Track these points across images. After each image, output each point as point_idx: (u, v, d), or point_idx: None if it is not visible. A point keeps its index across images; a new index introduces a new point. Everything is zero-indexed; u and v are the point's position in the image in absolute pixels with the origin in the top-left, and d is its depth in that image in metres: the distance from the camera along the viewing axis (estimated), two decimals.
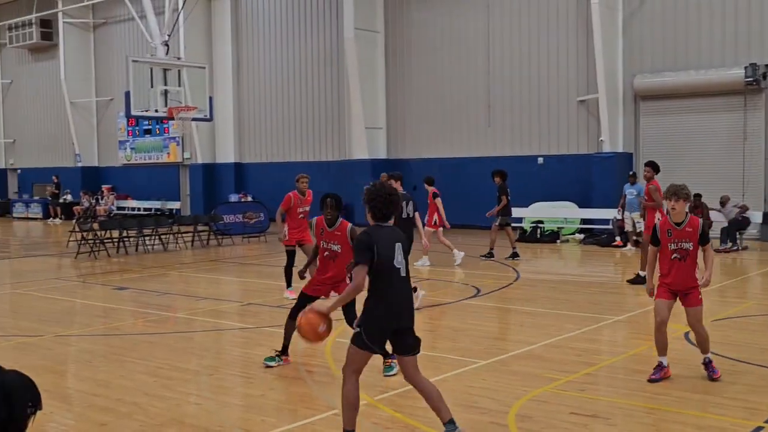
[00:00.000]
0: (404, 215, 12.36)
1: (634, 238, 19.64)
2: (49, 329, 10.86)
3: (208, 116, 22.78)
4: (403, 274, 5.52)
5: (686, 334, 9.54)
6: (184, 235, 22.82)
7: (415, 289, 11.60)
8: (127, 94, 20.84)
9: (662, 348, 7.56)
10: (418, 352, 5.64)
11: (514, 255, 18.15)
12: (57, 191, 37.46)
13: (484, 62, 26.11)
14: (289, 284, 12.91)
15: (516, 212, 24.66)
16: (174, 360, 8.95)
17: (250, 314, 11.82)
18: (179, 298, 13.56)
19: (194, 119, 22.26)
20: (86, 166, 38.73)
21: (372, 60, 27.93)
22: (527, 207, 24.31)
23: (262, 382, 7.88)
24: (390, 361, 7.85)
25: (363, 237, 5.45)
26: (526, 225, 23.46)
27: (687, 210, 7.52)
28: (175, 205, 34.56)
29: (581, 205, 23.91)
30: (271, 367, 8.34)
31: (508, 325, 10.60)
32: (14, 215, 39.48)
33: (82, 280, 16.39)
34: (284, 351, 8.48)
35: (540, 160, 25.25)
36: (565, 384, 7.54)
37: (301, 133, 30.91)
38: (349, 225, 7.99)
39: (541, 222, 23.50)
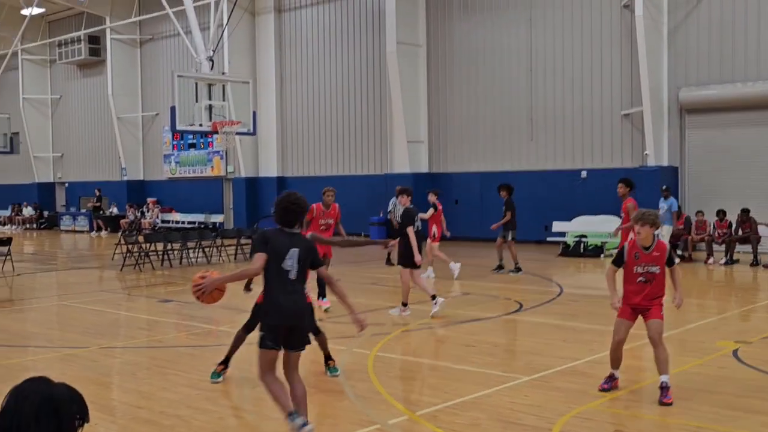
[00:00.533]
0: (415, 228, 12.50)
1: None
2: (94, 341, 11.01)
3: (252, 130, 22.95)
4: (292, 277, 5.99)
5: (735, 352, 9.34)
6: (227, 248, 23.00)
7: (434, 297, 11.64)
8: (173, 109, 21.09)
9: (616, 362, 7.73)
10: (302, 349, 6.18)
11: (500, 268, 18.21)
12: (98, 204, 38.06)
13: (526, 75, 25.99)
14: (321, 295, 12.98)
15: (559, 226, 24.47)
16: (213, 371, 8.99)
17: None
18: (222, 311, 13.66)
19: (238, 133, 22.44)
20: (132, 180, 39.32)
21: (414, 73, 27.98)
22: (570, 221, 24.08)
23: None
24: (332, 363, 8.60)
25: (261, 233, 6.21)
26: (570, 239, 23.23)
27: (654, 234, 7.49)
28: (218, 218, 34.88)
29: None
30: (217, 382, 8.50)
31: (551, 340, 10.48)
32: (62, 228, 40.18)
33: (126, 293, 16.60)
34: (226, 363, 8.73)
35: (583, 174, 25.02)
36: (609, 401, 7.42)
37: (343, 146, 31.03)
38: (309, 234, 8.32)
39: (585, 236, 23.27)
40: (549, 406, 7.25)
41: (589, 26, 24.74)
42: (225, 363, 8.75)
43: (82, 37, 39.88)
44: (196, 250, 22.76)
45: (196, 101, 21.47)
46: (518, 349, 9.96)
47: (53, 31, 42.70)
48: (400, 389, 8.29)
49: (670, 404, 7.17)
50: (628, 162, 24.11)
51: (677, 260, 7.86)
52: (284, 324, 6.00)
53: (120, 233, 28.08)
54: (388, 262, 20.11)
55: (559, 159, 25.59)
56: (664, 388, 7.31)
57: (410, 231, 12.27)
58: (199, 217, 35.49)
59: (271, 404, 7.63)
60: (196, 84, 21.63)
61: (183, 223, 35.45)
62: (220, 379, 8.63)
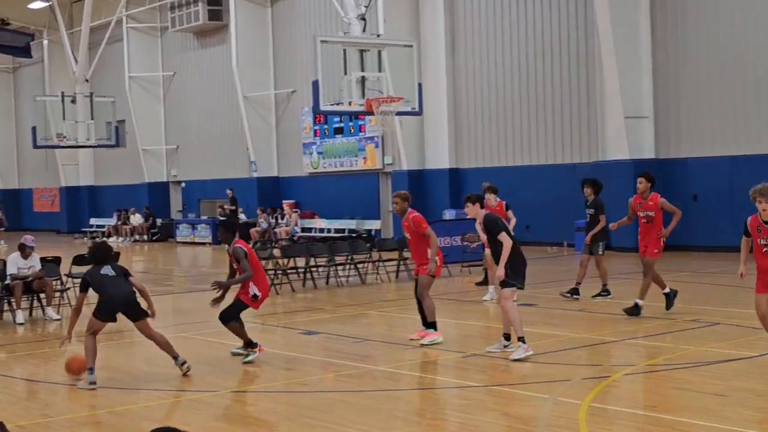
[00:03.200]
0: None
1: None
2: (222, 383, 11.37)
3: (417, 108, 23.11)
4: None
5: None
6: (386, 263, 23.27)
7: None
8: (315, 84, 21.52)
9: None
10: (143, 319, 11.61)
11: (575, 292, 17.53)
12: (234, 208, 38.96)
13: None
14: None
15: None
16: (377, 426, 9.09)
17: (473, 368, 11.82)
18: (381, 346, 13.80)
19: (399, 113, 22.64)
20: (263, 177, 40.56)
21: (633, 27, 27.35)
22: None
23: None
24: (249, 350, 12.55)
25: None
26: None
27: None
28: (374, 224, 35.38)
29: None
30: (251, 362, 12.36)
31: None
32: (178, 239, 41.85)
33: (260, 322, 17.07)
34: (250, 344, 12.69)
35: None
36: None
37: (535, 128, 30.76)
38: (236, 245, 12.93)
39: None
40: None
41: None
42: (250, 345, 12.64)
43: None
44: (347, 266, 23.15)
45: (345, 73, 21.81)
46: None
47: None
48: None
49: None
50: None
51: None
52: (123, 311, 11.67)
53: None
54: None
55: None
56: None
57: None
58: (349, 224, 36.11)
59: None
60: (345, 51, 21.98)
61: (329, 231, 36.18)
62: (252, 357, 12.50)
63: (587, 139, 29.38)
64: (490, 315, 16.70)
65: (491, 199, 17.80)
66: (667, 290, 15.74)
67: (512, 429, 8.89)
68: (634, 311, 15.23)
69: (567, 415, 9.15)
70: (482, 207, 13.06)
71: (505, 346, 12.53)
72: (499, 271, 12.18)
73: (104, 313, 11.57)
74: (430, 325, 13.68)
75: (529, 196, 29.51)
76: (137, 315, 11.66)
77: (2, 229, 44.60)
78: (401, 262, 23.15)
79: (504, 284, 12.27)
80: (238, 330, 12.76)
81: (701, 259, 24.33)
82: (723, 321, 14.68)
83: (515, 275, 12.24)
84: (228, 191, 39.77)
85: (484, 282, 19.21)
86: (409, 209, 13.89)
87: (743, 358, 11.84)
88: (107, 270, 11.60)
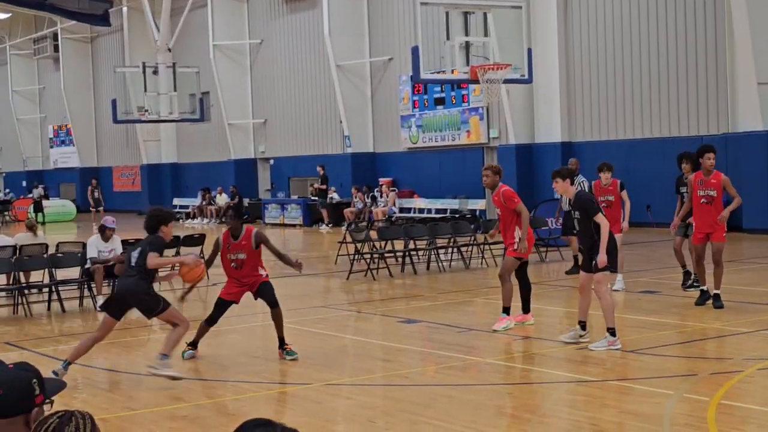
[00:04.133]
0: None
1: None
2: (316, 375, 11.50)
3: (526, 76, 23.01)
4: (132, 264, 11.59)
5: None
6: (492, 246, 23.22)
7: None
8: (415, 50, 21.57)
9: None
10: (152, 316, 11.71)
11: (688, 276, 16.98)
12: (324, 187, 39.26)
13: None
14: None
15: None
16: (483, 423, 9.12)
17: (588, 361, 11.75)
18: (486, 337, 13.80)
19: (506, 81, 22.57)
20: (357, 153, 40.72)
21: None
22: None
23: None
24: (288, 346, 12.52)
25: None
26: None
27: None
28: (478, 204, 35.30)
29: None
30: (184, 358, 12.56)
31: None
32: (266, 220, 42.27)
33: (356, 310, 17.21)
34: (194, 345, 12.90)
35: None
36: None
37: (657, 95, 30.33)
38: (254, 230, 12.98)
39: None
40: None
41: None
42: (193, 345, 12.85)
43: None
44: (449, 249, 23.15)
45: (447, 38, 21.82)
46: None
47: None
48: None
49: None
50: None
51: None
52: (129, 304, 11.91)
53: (345, 227, 29.19)
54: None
55: None
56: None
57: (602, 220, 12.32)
58: (451, 204, 36.12)
59: None
60: (447, 13, 22.00)
61: (429, 211, 36.23)
62: (185, 357, 12.60)
63: (715, 108, 28.86)
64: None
65: (604, 177, 17.57)
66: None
67: (633, 428, 8.81)
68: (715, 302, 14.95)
69: (695, 414, 9.06)
70: (572, 184, 13.01)
71: (581, 336, 12.49)
72: (601, 257, 12.14)
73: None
74: (504, 310, 14.05)
75: (650, 172, 29.11)
76: None
77: (101, 208, 45.27)
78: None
79: (603, 269, 12.25)
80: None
81: None
82: None
83: (611, 258, 12.26)
84: (318, 168, 39.92)
85: (575, 269, 18.85)
86: (500, 183, 14.15)
87: None
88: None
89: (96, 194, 46.52)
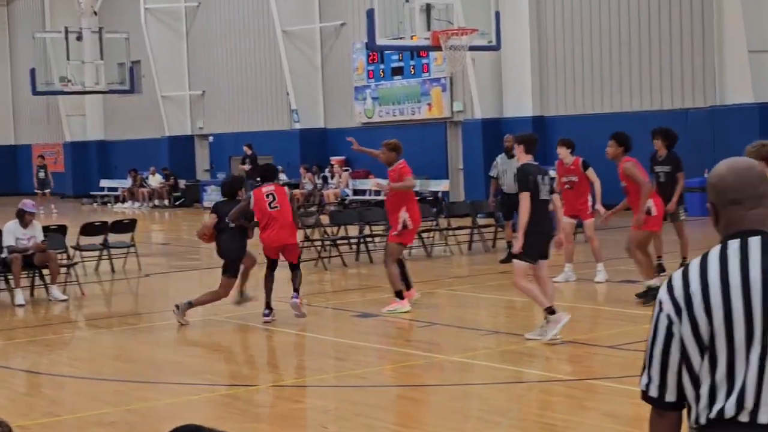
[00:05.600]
0: (543, 196, 12.41)
1: None
2: (262, 376, 11.48)
3: (494, 43, 22.99)
4: None
5: None
6: (457, 232, 23.23)
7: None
8: (370, 14, 21.48)
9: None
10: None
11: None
12: (249, 168, 38.38)
13: None
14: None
15: None
16: (448, 427, 9.12)
17: (564, 358, 11.76)
18: (450, 331, 13.78)
19: (471, 48, 22.53)
20: (307, 129, 40.60)
21: None
22: None
23: None
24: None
25: None
26: None
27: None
28: (441, 185, 35.32)
29: None
30: (267, 322, 14.06)
31: None
32: (205, 204, 41.99)
33: (306, 303, 17.14)
34: (268, 306, 14.24)
35: None
36: None
37: (637, 66, 30.42)
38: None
39: None
40: None
41: None
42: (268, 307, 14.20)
43: None
44: None
45: (406, 0, 21.74)
46: None
47: None
48: None
49: None
50: None
51: None
52: None
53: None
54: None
55: None
56: None
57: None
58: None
59: None
60: None
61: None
62: (268, 318, 14.09)
63: (701, 79, 29.00)
64: (572, 296, 16.61)
65: (562, 153, 17.42)
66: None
67: (612, 431, 8.82)
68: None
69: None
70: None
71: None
72: (517, 243, 12.22)
73: None
74: (397, 294, 14.77)
75: (631, 150, 29.18)
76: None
77: (48, 191, 44.76)
78: (475, 230, 23.09)
79: (518, 257, 12.27)
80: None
81: None
82: None
83: (534, 245, 12.14)
84: (245, 147, 39.21)
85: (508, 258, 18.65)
86: (401, 159, 15.08)
87: None
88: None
89: (42, 174, 45.74)
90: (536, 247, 12.12)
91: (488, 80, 33.62)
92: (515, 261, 12.26)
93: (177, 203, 44.13)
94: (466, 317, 15.01)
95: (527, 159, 12.68)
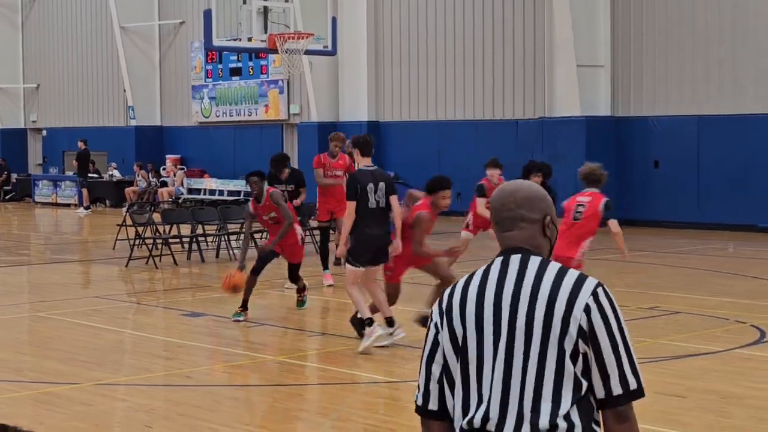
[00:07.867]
0: (372, 204, 12.08)
1: None
2: (87, 374, 11.26)
3: (330, 48, 23.06)
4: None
5: None
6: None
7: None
8: (207, 14, 21.36)
9: None
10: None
11: None
12: (87, 164, 37.38)
13: None
14: (325, 266, 17.56)
15: None
16: (272, 428, 9.14)
17: (393, 360, 11.84)
18: (280, 333, 13.80)
19: (308, 52, 22.57)
20: (143, 126, 40.12)
21: None
22: None
23: None
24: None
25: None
26: None
27: None
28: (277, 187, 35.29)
29: None
30: (239, 321, 13.77)
31: None
32: (37, 199, 41.19)
33: (135, 301, 16.95)
34: (244, 305, 13.95)
35: None
36: None
37: (471, 75, 30.82)
38: (271, 190, 14.67)
39: None
40: None
41: None
42: (244, 306, 13.91)
43: None
44: (242, 235, 23.00)
45: (244, 2, 21.68)
46: (759, 405, 9.73)
47: None
48: None
49: None
50: None
51: None
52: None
53: (125, 209, 28.70)
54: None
55: None
56: None
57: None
58: (246, 186, 35.85)
59: None
60: None
61: (221, 193, 35.98)
62: (241, 318, 13.84)
63: (532, 90, 29.48)
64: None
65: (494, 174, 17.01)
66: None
67: None
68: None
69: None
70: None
71: (390, 334, 12.16)
72: (340, 247, 12.35)
73: None
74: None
75: (463, 157, 29.54)
76: None
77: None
78: (308, 233, 23.08)
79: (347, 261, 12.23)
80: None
81: (662, 236, 24.66)
82: (684, 309, 14.94)
83: (358, 250, 12.07)
84: (80, 143, 37.86)
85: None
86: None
87: (710, 353, 12.04)
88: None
89: None
90: (363, 253, 12.02)
91: (325, 84, 33.69)
92: (347, 265, 12.21)
93: (7, 197, 43.12)
94: (295, 318, 15.02)
95: (365, 162, 12.59)
